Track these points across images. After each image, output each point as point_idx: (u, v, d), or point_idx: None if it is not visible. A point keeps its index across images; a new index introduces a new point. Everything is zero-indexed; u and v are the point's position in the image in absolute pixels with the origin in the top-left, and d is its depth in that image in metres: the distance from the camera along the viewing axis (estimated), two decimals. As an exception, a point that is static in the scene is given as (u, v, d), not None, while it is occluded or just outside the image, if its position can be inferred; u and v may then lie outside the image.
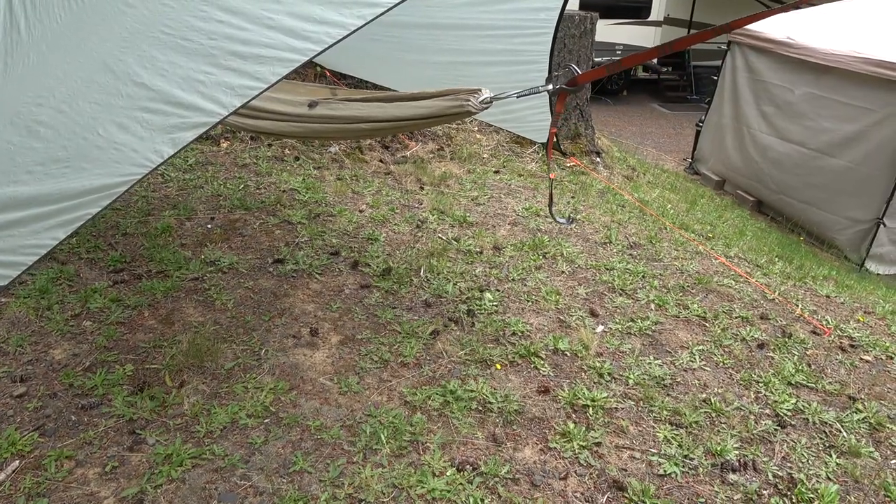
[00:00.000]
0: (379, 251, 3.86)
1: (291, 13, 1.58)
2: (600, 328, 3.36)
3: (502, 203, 4.95)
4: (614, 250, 4.30)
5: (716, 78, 10.02)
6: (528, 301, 3.52)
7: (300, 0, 1.58)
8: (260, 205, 4.24)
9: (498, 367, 2.92)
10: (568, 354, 3.08)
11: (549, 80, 2.44)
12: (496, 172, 5.81)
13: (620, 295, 3.70)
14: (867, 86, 7.31)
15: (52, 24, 1.83)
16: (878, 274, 7.33)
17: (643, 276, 3.95)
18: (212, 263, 3.48)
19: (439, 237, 4.16)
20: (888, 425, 2.83)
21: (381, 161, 5.60)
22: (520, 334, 3.19)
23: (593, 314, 3.47)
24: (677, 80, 16.09)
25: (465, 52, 2.91)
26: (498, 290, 3.59)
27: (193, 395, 2.56)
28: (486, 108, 2.31)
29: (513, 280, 3.72)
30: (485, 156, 6.29)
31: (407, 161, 5.73)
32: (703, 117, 10.21)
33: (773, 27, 8.64)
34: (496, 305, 3.43)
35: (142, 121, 1.57)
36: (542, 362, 2.99)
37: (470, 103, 2.28)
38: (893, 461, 2.62)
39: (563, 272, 3.90)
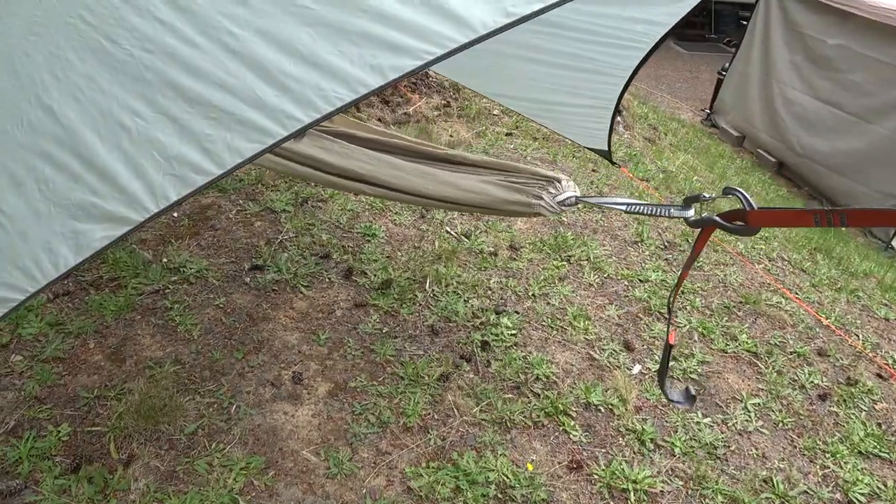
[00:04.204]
0: (377, 253, 3.26)
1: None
2: (637, 368, 2.84)
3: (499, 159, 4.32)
4: (647, 252, 3.73)
5: (741, 17, 9.14)
6: (553, 328, 2.98)
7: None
8: (237, 185, 3.58)
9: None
10: (602, 411, 2.58)
11: (689, 202, 1.76)
12: (509, 135, 5.14)
13: (658, 318, 3.17)
14: (920, 48, 6.58)
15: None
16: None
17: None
18: (176, 270, 2.88)
19: (447, 232, 3.56)
20: (976, 516, 2.39)
21: (379, 120, 4.89)
22: (545, 380, 2.67)
23: (628, 347, 2.95)
24: (696, 15, 14.99)
25: (547, 51, 2.23)
26: (517, 312, 3.03)
27: (144, 475, 2.03)
28: (567, 210, 1.67)
29: (534, 297, 3.16)
30: (495, 112, 5.58)
31: (410, 120, 5.02)
32: (728, 65, 9.39)
33: (822, -30, 7.74)
34: (515, 334, 2.89)
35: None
36: (572, 423, 2.49)
37: (542, 203, 1.65)
38: None
39: (590, 285, 3.34)
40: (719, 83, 9.56)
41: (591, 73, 2.23)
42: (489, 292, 3.16)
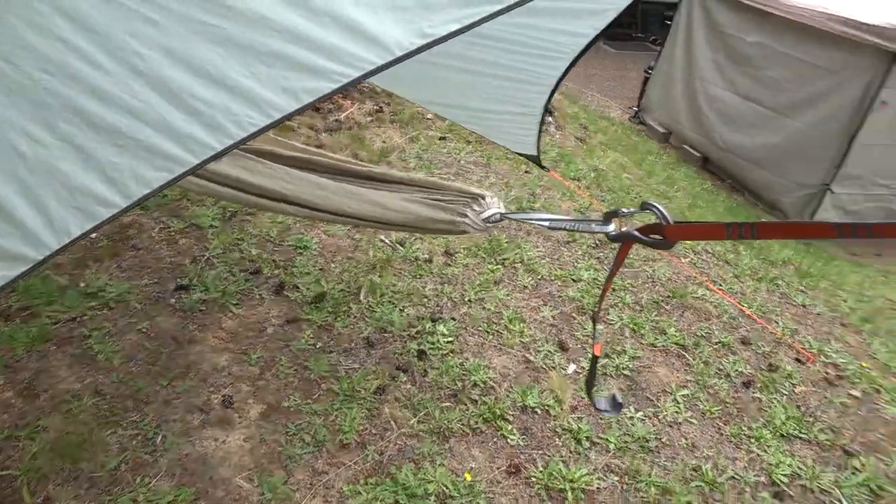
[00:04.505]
0: (310, 266, 3.21)
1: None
2: (572, 368, 2.89)
3: (424, 177, 4.33)
4: (579, 252, 3.81)
5: (666, 16, 9.45)
6: (489, 333, 3.00)
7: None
8: (161, 201, 3.46)
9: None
10: (539, 413, 2.61)
11: (609, 217, 1.78)
12: (442, 139, 5.15)
13: (590, 317, 3.23)
14: (828, 44, 6.94)
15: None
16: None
17: (613, 289, 3.48)
18: (94, 295, 2.75)
19: (381, 241, 3.53)
20: (888, 488, 2.53)
21: (311, 129, 4.82)
22: (482, 385, 2.68)
23: (563, 347, 2.99)
24: (624, 15, 15.37)
25: (477, 60, 2.22)
26: (453, 319, 3.04)
27: (63, 516, 1.93)
28: (493, 227, 1.67)
29: (469, 302, 3.18)
30: (429, 116, 5.58)
31: (342, 127, 4.97)
32: (653, 63, 9.69)
33: (738, -28, 8.06)
34: (451, 341, 2.89)
35: None
36: (509, 427, 2.51)
37: (467, 221, 1.64)
38: (902, 543, 2.33)
39: (525, 287, 3.38)
40: (646, 81, 9.84)
41: (518, 82, 2.25)
42: (425, 300, 3.15)
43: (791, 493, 2.45)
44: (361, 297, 3.05)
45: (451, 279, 3.33)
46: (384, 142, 4.87)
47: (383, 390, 2.57)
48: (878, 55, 6.60)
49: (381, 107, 5.47)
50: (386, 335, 2.87)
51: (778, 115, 7.69)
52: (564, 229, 1.81)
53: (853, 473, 2.57)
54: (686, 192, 6.71)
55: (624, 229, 1.66)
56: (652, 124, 9.62)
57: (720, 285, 3.78)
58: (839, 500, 2.46)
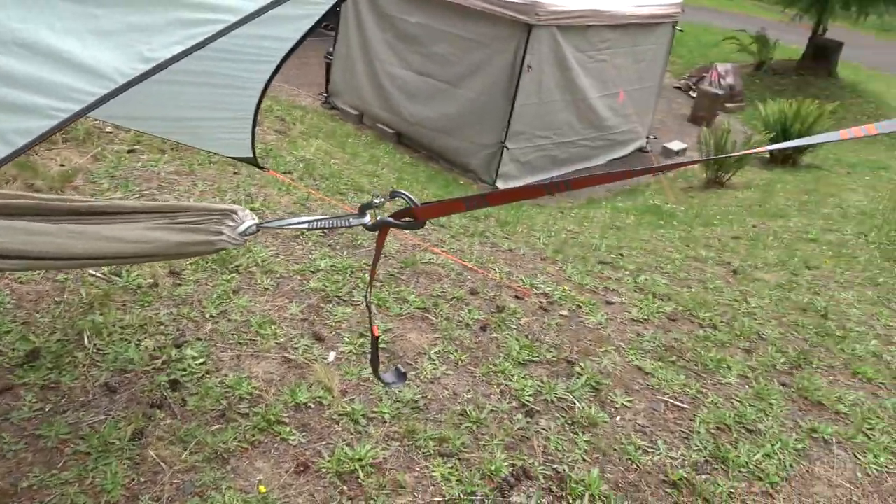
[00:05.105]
0: (8, 322, 2.72)
1: None
2: (332, 355, 2.97)
3: (159, 201, 4.00)
4: (310, 244, 3.86)
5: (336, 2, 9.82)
6: (242, 343, 2.91)
7: None
8: None
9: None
10: (312, 406, 2.64)
11: (363, 210, 1.78)
12: (131, 152, 4.69)
13: (338, 303, 3.33)
14: (478, 20, 7.92)
15: None
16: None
17: (351, 272, 3.62)
18: None
19: (92, 276, 3.14)
20: (603, 381, 3.13)
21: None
22: (249, 397, 2.61)
23: (319, 338, 3.05)
24: (290, 2, 15.42)
25: (187, 71, 2.02)
26: (199, 339, 2.87)
27: None
28: (250, 240, 1.60)
29: (212, 318, 3.03)
30: (108, 130, 5.01)
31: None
32: (332, 49, 9.98)
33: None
34: (204, 362, 2.74)
35: None
36: (287, 429, 2.50)
37: (224, 238, 1.55)
38: (619, 419, 2.91)
39: (266, 289, 3.33)
40: (328, 67, 10.10)
41: (230, 87, 2.18)
42: (162, 327, 2.91)
43: (538, 408, 2.89)
44: (86, 342, 2.70)
45: (185, 299, 3.13)
46: (62, 164, 4.27)
47: (141, 433, 2.34)
48: (518, 26, 7.74)
49: (47, 125, 4.74)
50: (128, 375, 2.60)
51: (450, 86, 8.56)
52: (323, 228, 1.85)
53: (577, 378, 3.12)
54: (390, 167, 7.16)
55: (379, 218, 1.77)
56: (344, 108, 9.95)
57: (442, 247, 4.18)
58: (573, 402, 2.97)
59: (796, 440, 2.87)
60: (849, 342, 3.83)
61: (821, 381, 3.36)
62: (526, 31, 7.53)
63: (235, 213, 1.76)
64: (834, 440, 2.93)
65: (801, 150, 10.08)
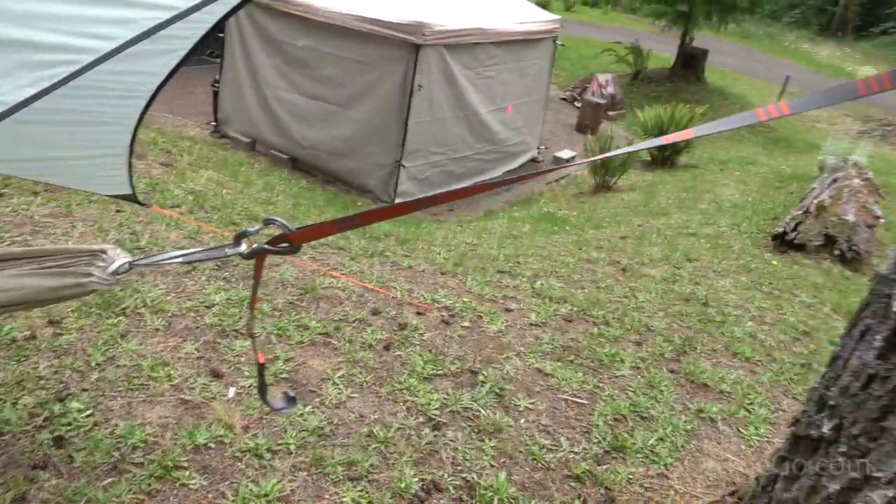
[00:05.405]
0: None
1: None
2: (232, 391, 2.89)
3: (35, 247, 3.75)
4: (203, 278, 3.74)
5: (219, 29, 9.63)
6: (133, 389, 2.77)
7: None
8: None
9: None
10: (213, 446, 2.56)
11: (238, 239, 1.73)
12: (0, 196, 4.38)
13: (235, 337, 3.25)
14: (366, 42, 7.99)
15: None
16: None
17: (246, 304, 3.54)
18: None
19: (-42, 334, 2.90)
20: (506, 386, 3.23)
21: None
22: (143, 445, 2.49)
23: (216, 375, 2.96)
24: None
25: (52, 111, 1.89)
26: (85, 390, 2.72)
27: None
28: (124, 278, 1.54)
29: (98, 366, 2.87)
30: (-29, 174, 4.66)
31: None
32: (218, 76, 9.75)
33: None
34: (92, 414, 2.60)
35: None
36: (187, 473, 2.40)
37: (93, 280, 1.48)
38: (522, 421, 3.01)
39: (157, 330, 3.19)
40: (216, 95, 9.86)
41: (101, 125, 2.09)
42: (42, 382, 2.73)
43: (445, 420, 2.93)
44: (-46, 407, 2.50)
45: (67, 349, 2.95)
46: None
47: (23, 498, 2.19)
48: (406, 47, 7.87)
49: None
50: (4, 437, 2.42)
51: (342, 108, 8.57)
52: (199, 261, 1.82)
53: (481, 386, 3.19)
54: (286, 194, 7.06)
55: (255, 246, 1.76)
56: (234, 135, 9.73)
57: (342, 270, 4.17)
58: (479, 410, 3.03)
59: (685, 422, 3.07)
60: (728, 326, 4.14)
61: (705, 364, 3.62)
62: (414, 52, 7.67)
63: (105, 253, 1.70)
64: (719, 418, 3.16)
65: (678, 150, 10.81)
